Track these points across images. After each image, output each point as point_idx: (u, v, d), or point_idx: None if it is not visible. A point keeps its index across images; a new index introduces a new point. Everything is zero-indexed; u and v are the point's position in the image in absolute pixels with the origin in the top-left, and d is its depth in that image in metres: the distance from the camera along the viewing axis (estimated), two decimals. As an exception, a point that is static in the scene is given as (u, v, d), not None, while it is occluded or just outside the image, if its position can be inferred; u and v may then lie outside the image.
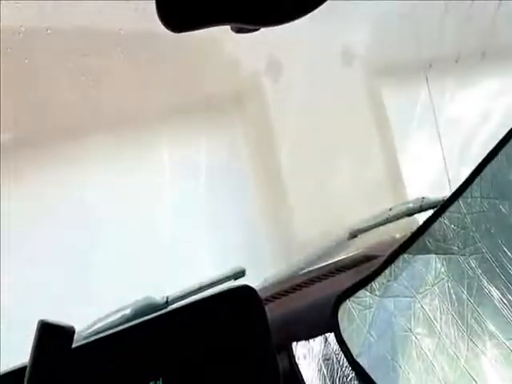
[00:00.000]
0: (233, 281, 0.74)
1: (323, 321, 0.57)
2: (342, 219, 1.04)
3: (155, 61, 1.09)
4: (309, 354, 0.54)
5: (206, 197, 1.20)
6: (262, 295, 0.73)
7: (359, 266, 0.76)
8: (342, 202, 1.24)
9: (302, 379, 0.51)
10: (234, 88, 1.29)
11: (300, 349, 0.55)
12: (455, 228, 0.54)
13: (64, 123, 1.05)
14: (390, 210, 0.82)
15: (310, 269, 0.86)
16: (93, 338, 0.45)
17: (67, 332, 0.33)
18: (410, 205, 0.79)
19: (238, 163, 1.28)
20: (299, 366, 0.52)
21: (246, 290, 0.49)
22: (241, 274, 0.72)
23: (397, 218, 0.79)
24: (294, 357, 0.53)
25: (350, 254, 0.85)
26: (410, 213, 0.78)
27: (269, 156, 1.28)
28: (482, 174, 0.56)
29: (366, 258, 0.79)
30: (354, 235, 0.84)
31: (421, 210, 0.76)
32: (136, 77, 1.09)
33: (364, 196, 1.25)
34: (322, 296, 0.67)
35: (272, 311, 0.62)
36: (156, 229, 1.10)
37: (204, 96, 1.21)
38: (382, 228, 0.85)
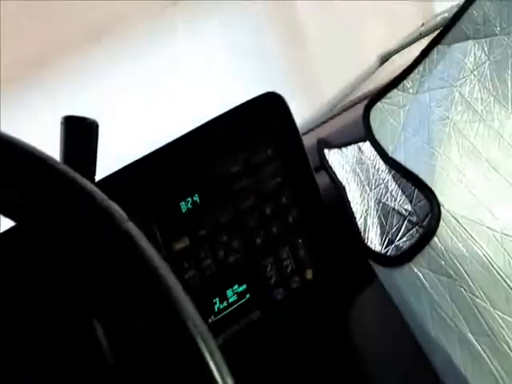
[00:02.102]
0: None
1: (357, 134, 0.57)
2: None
3: None
4: (342, 159, 0.54)
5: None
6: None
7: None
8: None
9: (338, 180, 0.52)
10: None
11: (333, 155, 0.55)
12: (497, 5, 0.50)
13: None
14: (423, 25, 0.76)
15: (344, 103, 0.84)
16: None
17: (92, 124, 0.34)
18: (446, 14, 0.73)
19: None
20: (333, 168, 0.53)
21: (272, 96, 0.48)
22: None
23: (431, 31, 0.74)
24: (327, 161, 0.54)
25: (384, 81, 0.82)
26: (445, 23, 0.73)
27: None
28: None
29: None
30: (385, 59, 0.80)
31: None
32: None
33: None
34: (356, 116, 0.67)
35: (307, 140, 0.62)
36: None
37: None
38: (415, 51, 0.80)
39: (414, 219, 0.48)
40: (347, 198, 0.50)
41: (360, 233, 0.49)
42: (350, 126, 0.62)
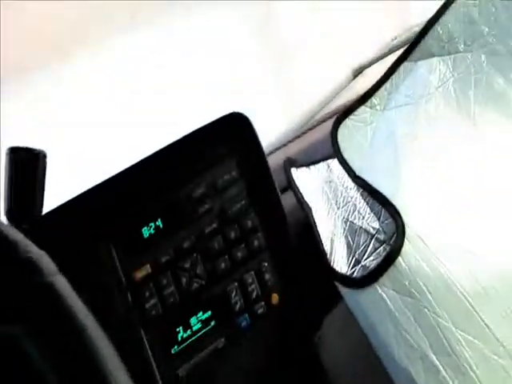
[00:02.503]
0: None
1: (326, 151, 0.57)
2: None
3: None
4: (310, 178, 0.54)
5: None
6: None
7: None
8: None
9: (305, 201, 0.51)
10: None
11: (300, 174, 0.54)
12: (461, 24, 0.50)
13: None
14: (395, 38, 0.76)
15: (317, 118, 0.84)
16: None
17: (39, 154, 0.32)
18: (417, 28, 0.73)
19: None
20: (300, 189, 0.52)
21: (237, 116, 0.47)
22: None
23: (403, 45, 0.74)
24: (294, 180, 0.53)
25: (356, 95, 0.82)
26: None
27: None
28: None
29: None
30: (358, 73, 0.80)
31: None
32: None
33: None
34: (325, 132, 0.66)
35: (277, 158, 0.61)
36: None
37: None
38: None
39: (382, 237, 0.48)
40: (313, 219, 0.50)
41: (326, 254, 0.48)
42: (320, 143, 0.61)
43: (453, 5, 0.50)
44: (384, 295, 0.44)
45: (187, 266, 0.44)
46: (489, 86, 0.48)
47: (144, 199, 0.44)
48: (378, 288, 0.44)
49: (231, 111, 0.48)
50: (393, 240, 0.45)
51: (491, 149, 0.47)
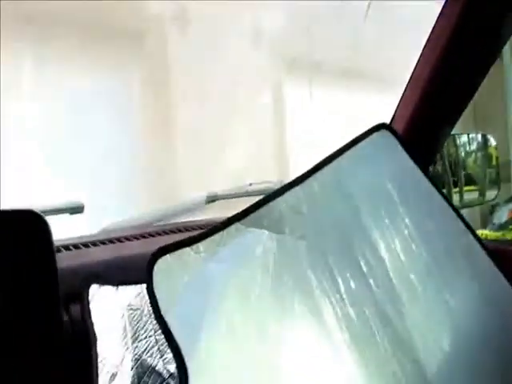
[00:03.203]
0: (68, 215, 0.69)
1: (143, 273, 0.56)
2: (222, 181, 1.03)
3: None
4: (112, 301, 0.52)
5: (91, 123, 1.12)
6: (96, 238, 0.70)
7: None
8: (227, 165, 1.24)
9: (91, 325, 0.48)
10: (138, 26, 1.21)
11: (103, 294, 0.52)
12: (291, 211, 0.57)
13: None
14: (250, 185, 0.84)
15: (161, 223, 0.85)
16: None
17: None
18: (270, 185, 0.82)
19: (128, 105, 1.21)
20: (93, 311, 0.50)
21: (31, 214, 0.45)
22: (78, 209, 0.68)
23: (254, 193, 0.81)
24: (87, 299, 0.50)
25: (204, 218, 0.86)
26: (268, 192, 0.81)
27: (163, 105, 1.23)
28: (324, 169, 0.59)
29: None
30: (211, 200, 0.85)
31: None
32: None
33: (249, 163, 1.26)
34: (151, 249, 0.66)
35: (92, 255, 0.60)
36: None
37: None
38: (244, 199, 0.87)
39: (173, 383, 0.47)
40: (96, 352, 0.47)
41: None
42: (141, 259, 0.60)
43: (289, 191, 0.58)
44: None
45: None
46: (299, 275, 0.54)
47: None
48: None
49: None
50: None
51: (287, 334, 0.51)
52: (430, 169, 0.81)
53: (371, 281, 0.57)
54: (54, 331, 0.45)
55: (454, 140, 0.84)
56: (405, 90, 0.72)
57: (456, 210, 0.67)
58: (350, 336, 0.54)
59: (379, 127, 0.65)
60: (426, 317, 0.58)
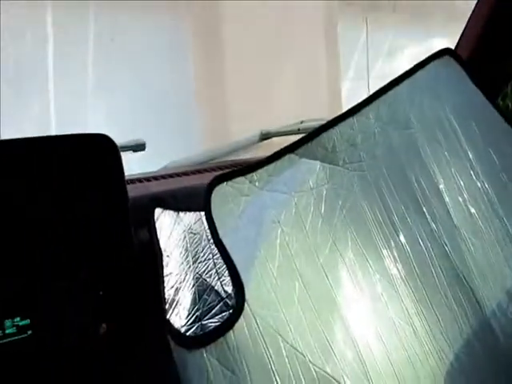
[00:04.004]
0: (131, 152, 0.73)
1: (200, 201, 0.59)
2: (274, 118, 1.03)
3: None
4: (174, 224, 0.55)
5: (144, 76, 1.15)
6: (158, 173, 0.73)
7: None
8: (279, 102, 1.23)
9: (157, 241, 0.52)
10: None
11: (165, 217, 0.55)
12: (345, 142, 0.57)
13: None
14: (302, 122, 0.84)
15: (217, 161, 0.88)
16: None
17: None
18: (322, 122, 0.81)
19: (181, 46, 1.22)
20: (158, 231, 0.53)
21: (102, 138, 0.48)
22: (141, 147, 0.72)
23: (306, 131, 0.81)
24: (153, 219, 0.53)
25: (258, 155, 0.88)
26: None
27: (212, 42, 1.22)
28: (382, 98, 0.57)
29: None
30: (264, 137, 0.86)
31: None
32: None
33: (301, 101, 1.25)
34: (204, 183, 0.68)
35: (154, 187, 0.63)
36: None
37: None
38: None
39: (231, 303, 0.49)
40: (162, 264, 0.51)
41: (165, 303, 0.49)
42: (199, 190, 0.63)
43: (343, 122, 0.57)
44: (208, 363, 0.45)
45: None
46: (353, 206, 0.54)
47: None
48: (205, 354, 0.46)
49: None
50: (228, 314, 0.47)
51: (340, 264, 0.51)
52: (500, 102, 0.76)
53: (428, 214, 0.57)
54: (124, 249, 0.49)
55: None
56: (472, 13, 0.66)
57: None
58: (404, 269, 0.54)
59: (442, 53, 0.62)
60: (487, 254, 0.57)
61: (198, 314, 0.50)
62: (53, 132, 1.04)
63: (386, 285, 0.53)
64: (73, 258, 0.46)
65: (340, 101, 1.37)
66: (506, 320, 0.55)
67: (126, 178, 0.69)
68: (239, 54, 1.20)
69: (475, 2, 0.67)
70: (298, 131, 0.84)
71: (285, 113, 1.13)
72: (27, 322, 0.45)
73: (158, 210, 0.55)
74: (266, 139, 0.86)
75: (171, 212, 0.56)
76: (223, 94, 1.20)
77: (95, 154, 0.47)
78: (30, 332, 0.45)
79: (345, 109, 0.58)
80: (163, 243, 0.53)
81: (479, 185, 0.59)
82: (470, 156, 0.60)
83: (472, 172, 0.59)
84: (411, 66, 0.61)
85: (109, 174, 0.48)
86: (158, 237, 0.53)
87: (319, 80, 1.34)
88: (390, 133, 0.58)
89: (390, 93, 0.58)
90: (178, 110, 1.18)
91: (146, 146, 0.77)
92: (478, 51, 0.68)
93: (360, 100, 0.59)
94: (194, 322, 0.49)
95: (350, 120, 0.57)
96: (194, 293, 0.51)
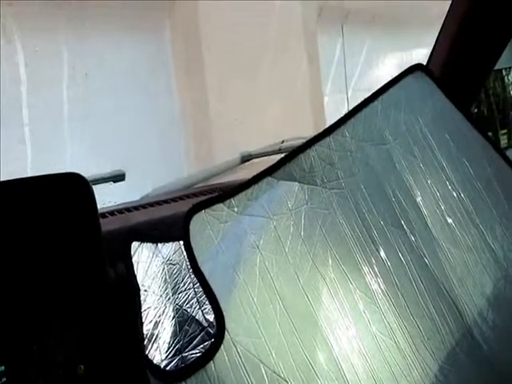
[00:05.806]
0: (111, 183, 0.72)
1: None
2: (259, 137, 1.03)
3: None
4: (153, 256, 0.54)
5: (125, 94, 1.14)
6: (138, 203, 0.72)
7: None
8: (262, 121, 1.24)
9: (134, 277, 0.51)
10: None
11: (144, 250, 0.54)
12: (322, 162, 0.56)
13: None
14: (283, 142, 0.84)
15: (200, 185, 0.87)
16: None
17: None
18: (302, 140, 0.81)
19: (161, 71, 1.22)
20: (135, 265, 0.52)
21: (74, 176, 0.48)
22: (120, 177, 0.71)
23: (287, 150, 0.81)
24: (129, 254, 0.52)
25: (239, 178, 0.87)
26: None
27: (194, 67, 1.23)
28: (357, 115, 0.57)
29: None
30: (245, 159, 0.85)
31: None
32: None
33: (284, 119, 1.25)
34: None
35: (134, 218, 0.62)
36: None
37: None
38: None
39: (213, 332, 0.48)
40: (139, 300, 0.50)
41: (143, 339, 0.48)
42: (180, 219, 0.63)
43: (320, 142, 0.57)
44: None
45: None
46: (332, 225, 0.54)
47: None
48: None
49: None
50: (208, 344, 0.46)
51: (321, 284, 0.51)
52: (475, 110, 0.76)
53: (406, 227, 0.56)
54: (99, 287, 0.48)
55: (502, 77, 0.79)
56: (442, 26, 0.67)
57: (501, 151, 0.64)
58: (385, 283, 0.53)
59: (414, 69, 0.62)
60: (466, 263, 0.57)
61: (178, 346, 0.49)
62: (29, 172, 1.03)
63: (368, 301, 0.53)
64: (45, 301, 0.45)
65: (324, 115, 1.38)
66: (487, 327, 0.55)
67: (107, 209, 0.68)
68: (220, 76, 1.21)
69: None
70: (279, 151, 0.83)
71: (268, 132, 1.13)
72: (2, 368, 0.43)
73: (134, 244, 0.54)
74: (247, 161, 0.85)
75: (149, 244, 0.55)
76: (206, 116, 1.20)
77: (67, 193, 0.47)
78: (4, 380, 0.43)
79: (329, 122, 0.58)
80: (140, 278, 0.51)
81: (455, 194, 0.59)
82: (445, 166, 0.60)
83: (447, 182, 0.59)
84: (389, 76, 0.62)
85: (81, 211, 0.47)
86: (135, 272, 0.52)
87: (302, 96, 1.35)
88: (366, 149, 0.58)
89: (365, 110, 0.58)
90: (160, 135, 1.17)
91: (128, 174, 0.76)
92: (449, 65, 0.68)
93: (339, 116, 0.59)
94: (174, 355, 0.48)
95: (326, 139, 0.57)
96: (175, 325, 0.50)
